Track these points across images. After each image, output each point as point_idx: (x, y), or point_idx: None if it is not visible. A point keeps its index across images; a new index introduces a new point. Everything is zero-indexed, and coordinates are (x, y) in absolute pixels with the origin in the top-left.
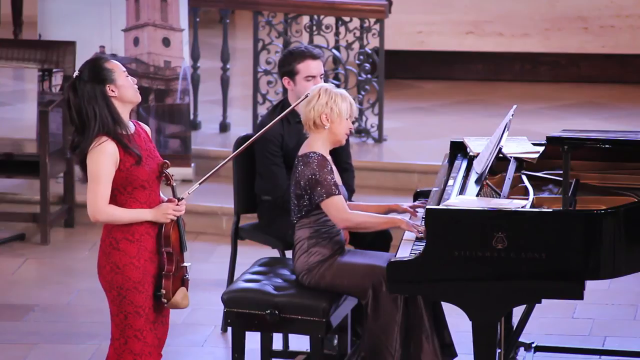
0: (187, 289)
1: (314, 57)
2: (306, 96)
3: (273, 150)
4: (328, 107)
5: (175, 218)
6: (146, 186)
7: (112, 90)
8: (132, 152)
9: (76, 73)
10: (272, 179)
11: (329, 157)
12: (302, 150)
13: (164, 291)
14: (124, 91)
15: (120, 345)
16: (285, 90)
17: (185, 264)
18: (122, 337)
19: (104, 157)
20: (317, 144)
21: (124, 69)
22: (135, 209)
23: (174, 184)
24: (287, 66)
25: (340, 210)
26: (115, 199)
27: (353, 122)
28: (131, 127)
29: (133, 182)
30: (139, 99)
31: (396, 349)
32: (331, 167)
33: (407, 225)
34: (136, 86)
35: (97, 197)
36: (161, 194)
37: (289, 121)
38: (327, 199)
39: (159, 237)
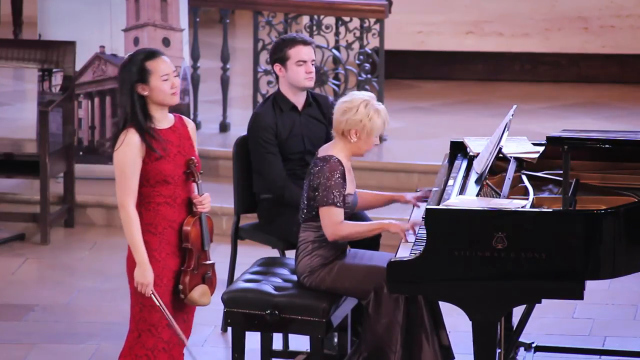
0: (212, 287)
1: (305, 42)
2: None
3: (267, 138)
4: (361, 125)
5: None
6: (170, 181)
7: (143, 89)
8: (156, 145)
9: (128, 55)
10: (267, 168)
11: (347, 165)
12: (323, 152)
13: (181, 286)
14: (155, 94)
15: (134, 339)
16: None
17: (208, 262)
18: (136, 330)
19: (129, 149)
20: (337, 149)
21: (167, 73)
22: (142, 236)
23: (199, 181)
24: (279, 53)
25: (333, 222)
26: (140, 191)
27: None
28: (167, 121)
29: (156, 176)
30: (172, 102)
31: (397, 349)
32: (343, 175)
33: (395, 228)
34: (175, 90)
35: (124, 191)
36: (197, 190)
37: (281, 109)
38: (325, 206)
39: (181, 232)
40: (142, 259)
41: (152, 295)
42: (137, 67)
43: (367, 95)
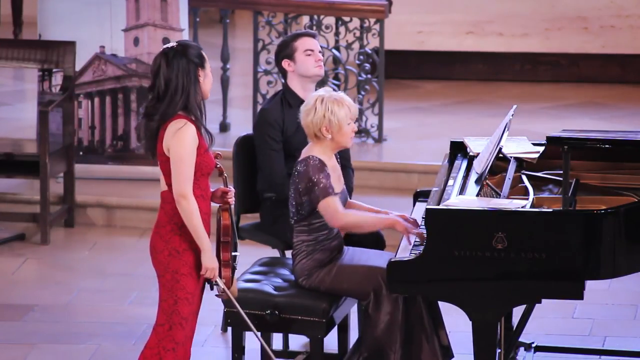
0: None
1: (310, 34)
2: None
3: (272, 134)
4: (326, 120)
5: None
6: (210, 174)
7: (200, 76)
8: (206, 135)
9: (172, 44)
10: (269, 164)
11: (330, 163)
12: (302, 154)
13: (224, 280)
14: (206, 82)
15: (164, 331)
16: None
17: (235, 253)
18: (168, 323)
19: (188, 138)
20: (316, 150)
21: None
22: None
23: (225, 175)
24: (285, 49)
25: (333, 210)
26: None
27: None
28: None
29: (203, 169)
30: (207, 97)
31: (397, 349)
32: (328, 173)
33: (402, 227)
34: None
35: (185, 180)
36: (224, 184)
37: (289, 104)
38: (322, 200)
39: (213, 225)
40: (208, 246)
41: (218, 279)
42: (197, 53)
43: (322, 91)
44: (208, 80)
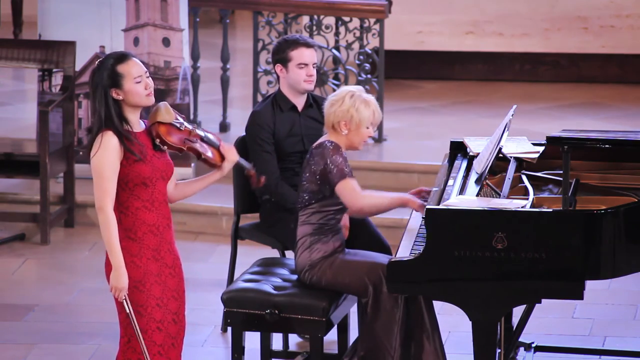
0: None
1: (308, 45)
2: None
3: (264, 136)
4: (349, 115)
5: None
6: (148, 184)
7: (117, 94)
8: (134, 148)
9: (98, 61)
10: (262, 166)
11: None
12: (317, 142)
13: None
14: (130, 97)
15: (125, 344)
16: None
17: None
18: (126, 335)
19: (107, 152)
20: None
21: (140, 74)
22: (119, 245)
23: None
24: (281, 53)
25: (353, 195)
26: (117, 196)
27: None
28: (140, 125)
29: (134, 179)
30: (148, 103)
31: (396, 349)
32: (344, 155)
33: (415, 204)
34: (149, 90)
35: (103, 193)
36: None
37: (280, 108)
38: (340, 182)
39: (162, 234)
40: (118, 263)
41: (124, 301)
42: (108, 72)
43: (354, 88)
44: (130, 95)
